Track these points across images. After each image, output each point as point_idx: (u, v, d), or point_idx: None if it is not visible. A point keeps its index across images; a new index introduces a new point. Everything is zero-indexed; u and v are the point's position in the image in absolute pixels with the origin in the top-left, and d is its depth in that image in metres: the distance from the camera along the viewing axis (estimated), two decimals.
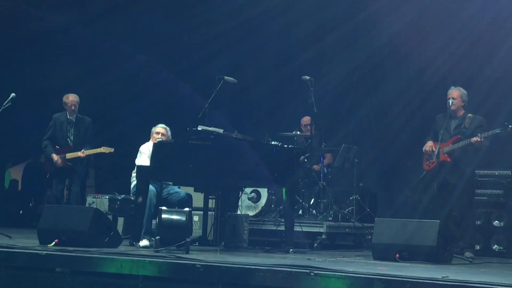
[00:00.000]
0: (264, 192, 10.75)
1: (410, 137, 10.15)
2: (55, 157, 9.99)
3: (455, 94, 8.66)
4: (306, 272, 5.72)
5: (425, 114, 10.07)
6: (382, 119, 11.64)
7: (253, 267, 6.12)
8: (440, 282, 5.36)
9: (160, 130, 9.20)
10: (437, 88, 9.40)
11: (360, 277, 5.59)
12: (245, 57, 11.77)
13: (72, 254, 6.91)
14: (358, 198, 10.52)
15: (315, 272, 5.74)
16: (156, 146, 8.57)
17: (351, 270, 6.00)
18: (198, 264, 6.20)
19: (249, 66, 11.50)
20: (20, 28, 12.95)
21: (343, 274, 5.71)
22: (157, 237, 7.86)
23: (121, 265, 6.45)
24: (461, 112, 8.66)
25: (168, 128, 9.26)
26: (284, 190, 8.99)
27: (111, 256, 6.74)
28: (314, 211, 10.44)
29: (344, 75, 11.56)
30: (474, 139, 8.29)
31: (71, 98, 10.16)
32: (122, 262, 6.52)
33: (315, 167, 10.61)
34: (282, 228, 9.24)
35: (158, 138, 9.02)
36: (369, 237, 9.57)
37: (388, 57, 11.42)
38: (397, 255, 7.40)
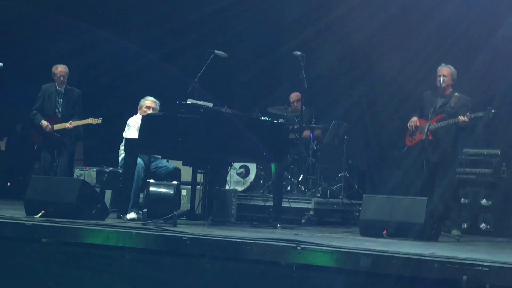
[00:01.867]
0: (253, 167, 10.80)
1: (402, 117, 10.14)
2: (44, 123, 9.96)
3: (446, 71, 8.62)
4: (293, 246, 5.75)
5: (411, 89, 10.09)
6: (376, 99, 11.65)
7: (240, 240, 6.16)
8: (426, 258, 5.38)
9: (149, 104, 9.14)
10: (431, 71, 9.36)
11: (346, 251, 5.62)
12: (236, 33, 11.73)
13: (59, 225, 6.94)
14: (347, 175, 10.55)
15: (302, 246, 5.77)
16: (144, 119, 8.54)
17: (338, 245, 6.03)
18: (184, 237, 6.23)
19: (239, 42, 11.47)
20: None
21: (329, 248, 5.74)
22: (145, 210, 7.86)
23: (108, 237, 6.48)
24: (449, 91, 8.62)
25: (157, 102, 9.20)
26: (273, 165, 9.03)
27: (98, 228, 6.78)
28: (302, 187, 10.49)
29: (340, 53, 11.53)
30: (461, 118, 8.26)
31: (60, 69, 10.11)
32: (109, 233, 6.54)
33: (306, 133, 10.61)
34: (270, 203, 9.28)
35: (147, 112, 8.97)
36: (357, 214, 9.59)
37: (383, 38, 11.38)
38: (385, 232, 7.42)
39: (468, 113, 8.28)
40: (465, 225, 9.40)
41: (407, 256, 5.47)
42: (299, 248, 5.71)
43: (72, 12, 12.96)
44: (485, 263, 5.17)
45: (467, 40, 10.56)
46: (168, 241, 6.29)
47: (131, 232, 6.56)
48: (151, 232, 6.61)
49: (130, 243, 6.36)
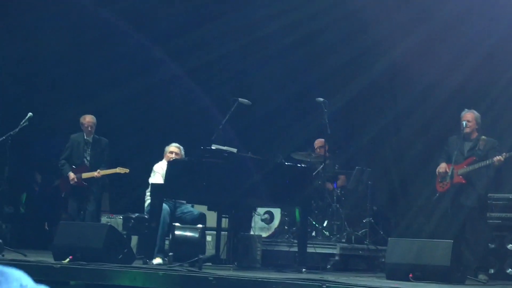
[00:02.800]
0: (277, 213, 10.79)
1: (420, 158, 10.16)
2: (71, 175, 10.08)
3: (470, 117, 8.66)
4: (318, 285, 5.79)
5: (435, 133, 10.07)
6: (392, 140, 11.65)
7: (265, 280, 6.19)
8: None
9: (173, 150, 9.29)
10: (446, 108, 9.42)
11: None
12: (255, 78, 11.84)
13: (87, 267, 7.02)
14: (372, 220, 10.50)
15: (327, 285, 5.80)
16: (170, 164, 8.67)
17: (364, 283, 6.05)
18: (210, 277, 6.28)
19: (260, 87, 11.58)
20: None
21: (354, 286, 5.77)
22: (170, 254, 7.92)
23: (135, 278, 6.54)
24: (475, 135, 8.65)
25: (181, 147, 9.35)
26: (297, 211, 9.07)
27: (125, 269, 6.84)
28: (327, 232, 10.42)
29: (355, 94, 11.59)
30: (497, 158, 8.26)
31: (88, 119, 10.29)
32: (136, 275, 6.61)
33: (329, 186, 10.64)
34: (295, 249, 9.23)
35: (171, 157, 9.10)
36: (383, 260, 9.51)
37: (398, 76, 11.40)
38: (410, 275, 7.37)
39: (504, 153, 8.29)
40: (492, 270, 9.30)
41: None
42: (324, 287, 5.74)
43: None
44: None
45: (483, 74, 10.60)
46: (194, 281, 6.33)
47: (158, 273, 6.62)
48: (177, 273, 6.66)
49: (156, 284, 6.41)
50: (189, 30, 12.66)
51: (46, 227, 13.57)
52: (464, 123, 8.63)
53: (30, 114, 9.42)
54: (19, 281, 0.92)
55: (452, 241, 7.65)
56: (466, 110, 8.78)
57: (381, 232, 10.54)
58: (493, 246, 9.58)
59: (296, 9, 12.07)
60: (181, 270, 6.93)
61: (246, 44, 12.03)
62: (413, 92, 11.21)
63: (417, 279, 7.34)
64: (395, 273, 7.61)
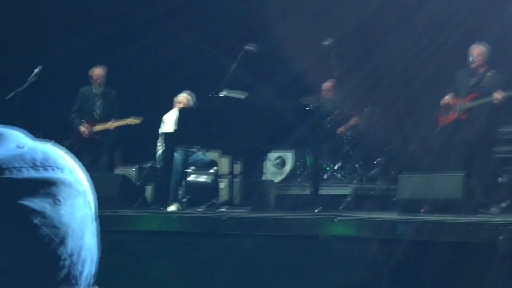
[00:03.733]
0: (288, 158, 10.86)
1: (431, 95, 10.13)
2: (82, 128, 10.15)
3: (476, 51, 8.63)
4: (330, 219, 5.90)
5: (446, 68, 10.03)
6: (403, 80, 11.63)
7: (278, 217, 6.31)
8: (461, 221, 5.51)
9: (182, 100, 9.37)
10: (458, 42, 9.37)
11: (382, 220, 5.76)
12: (264, 25, 11.80)
13: (101, 213, 7.17)
14: (383, 161, 10.58)
15: (339, 218, 5.91)
16: (180, 112, 8.75)
17: (373, 216, 6.16)
18: (224, 217, 6.40)
19: (269, 33, 11.54)
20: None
21: (366, 219, 5.88)
22: (184, 199, 8.06)
23: (150, 222, 6.67)
24: (482, 70, 8.63)
25: (192, 95, 9.42)
26: (308, 155, 9.15)
27: (140, 214, 6.97)
28: (339, 175, 10.51)
29: (364, 34, 11.57)
30: (496, 95, 8.24)
31: (97, 72, 10.32)
32: (151, 219, 6.75)
33: (340, 129, 10.69)
34: (307, 192, 9.31)
35: (181, 106, 9.18)
36: (395, 199, 9.61)
37: (406, 12, 11.35)
38: (422, 210, 7.47)
39: (502, 92, 8.23)
40: (504, 204, 9.36)
41: (442, 220, 5.60)
42: (335, 220, 5.85)
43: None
44: None
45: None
46: (208, 222, 6.46)
47: (173, 216, 6.76)
48: (192, 216, 6.79)
49: (172, 227, 6.54)
50: None
51: None
52: (470, 58, 8.65)
53: (37, 69, 9.47)
54: (16, 142, 0.85)
55: (462, 174, 7.74)
56: (475, 44, 8.76)
57: (393, 172, 10.58)
58: (504, 180, 9.64)
59: None
60: (195, 213, 7.05)
61: None
62: (423, 28, 11.16)
63: (429, 212, 7.41)
64: (407, 209, 7.62)
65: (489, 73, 8.59)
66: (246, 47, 9.22)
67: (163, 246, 6.56)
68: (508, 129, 9.79)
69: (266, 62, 10.39)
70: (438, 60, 10.84)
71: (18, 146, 0.85)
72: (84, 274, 0.87)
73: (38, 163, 0.85)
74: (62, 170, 0.87)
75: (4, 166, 0.82)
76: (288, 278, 5.95)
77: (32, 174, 0.84)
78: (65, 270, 0.83)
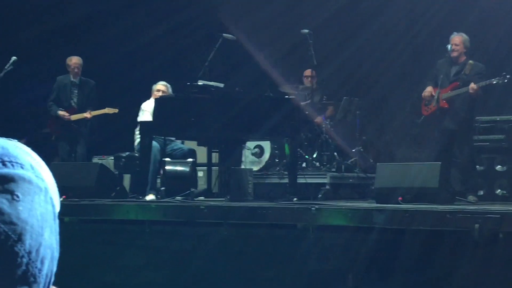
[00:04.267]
0: (267, 147, 10.84)
1: (409, 83, 10.19)
2: (61, 112, 10.12)
3: (457, 40, 8.67)
4: (308, 208, 5.92)
5: (425, 57, 10.09)
6: (375, 68, 11.68)
7: (256, 205, 6.33)
8: (438, 209, 5.56)
9: (160, 88, 9.37)
10: (437, 31, 9.41)
11: (359, 209, 5.80)
12: (242, 11, 11.78)
13: (79, 203, 7.15)
14: (361, 149, 10.61)
15: (316, 207, 5.94)
16: (157, 101, 8.76)
17: (351, 205, 6.20)
18: (202, 206, 6.42)
19: (247, 20, 11.51)
20: None
21: (343, 208, 5.92)
22: (162, 188, 8.05)
23: (128, 211, 6.68)
24: (463, 59, 8.68)
25: (168, 85, 9.41)
26: (286, 144, 9.16)
27: (117, 203, 6.97)
28: (317, 163, 10.52)
29: (342, 25, 11.56)
30: (472, 86, 8.33)
31: (74, 61, 10.30)
32: (128, 208, 6.75)
33: (318, 119, 10.71)
34: (286, 181, 9.29)
35: (159, 95, 9.17)
36: (373, 187, 9.66)
37: (384, 8, 11.38)
38: (400, 198, 7.41)
39: (474, 83, 8.31)
40: (482, 192, 9.42)
41: (419, 209, 5.64)
42: (313, 209, 5.87)
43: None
44: (497, 211, 5.34)
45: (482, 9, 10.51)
46: (186, 211, 6.47)
47: (150, 205, 6.77)
48: (169, 204, 6.80)
49: (149, 216, 6.56)
50: None
51: None
52: (449, 46, 8.69)
53: (14, 57, 9.41)
54: None
55: (440, 163, 7.76)
56: (454, 33, 8.79)
57: (371, 160, 10.63)
58: (482, 168, 9.72)
59: None
60: (173, 202, 7.06)
61: None
62: (402, 18, 11.21)
63: (406, 201, 7.41)
64: (384, 197, 7.60)
65: (470, 61, 8.64)
66: (224, 35, 9.22)
67: (141, 235, 6.57)
68: (485, 118, 9.89)
69: (243, 51, 10.35)
70: (414, 50, 10.90)
71: None
72: (44, 272, 0.85)
73: None
74: (22, 166, 0.86)
75: None
76: (265, 266, 5.97)
77: None
78: (23, 267, 0.82)
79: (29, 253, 0.82)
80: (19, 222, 0.82)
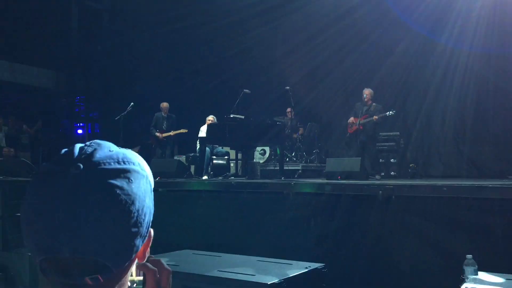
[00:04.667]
0: (268, 150, 10.87)
1: (342, 115, 10.12)
2: (158, 134, 10.17)
3: (367, 93, 8.67)
4: (289, 182, 5.92)
5: (351, 101, 10.02)
6: (326, 107, 11.62)
7: (261, 181, 6.33)
8: (360, 183, 5.53)
9: (210, 118, 9.41)
10: (359, 87, 9.35)
11: (318, 183, 5.79)
12: (252, 77, 11.71)
13: (167, 181, 7.16)
14: (318, 151, 10.63)
15: (294, 182, 5.94)
16: (209, 126, 8.77)
17: (313, 181, 6.19)
18: (232, 182, 6.42)
19: (254, 79, 11.41)
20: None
21: (308, 182, 5.92)
22: (211, 173, 8.07)
23: (193, 185, 6.68)
24: (370, 102, 8.65)
25: (215, 117, 9.43)
26: (278, 148, 9.15)
27: (188, 181, 6.98)
28: (294, 158, 10.56)
29: (306, 84, 11.49)
30: (375, 117, 8.35)
31: (164, 105, 10.35)
32: (193, 183, 6.75)
33: (294, 135, 10.73)
34: (277, 168, 9.27)
35: (209, 123, 9.19)
36: (324, 170, 9.64)
37: (330, 73, 11.28)
38: (339, 177, 7.40)
39: (377, 116, 8.34)
40: (382, 174, 9.41)
41: (348, 183, 5.63)
42: (292, 183, 5.88)
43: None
44: (391, 183, 5.33)
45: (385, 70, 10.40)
46: (224, 184, 6.47)
47: (205, 182, 6.76)
48: (215, 181, 6.79)
49: (204, 187, 6.54)
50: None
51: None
52: (364, 95, 8.68)
53: (132, 103, 9.49)
54: (108, 148, 0.83)
55: (360, 158, 7.74)
56: (365, 88, 8.80)
57: (323, 157, 10.63)
58: (382, 160, 9.73)
59: None
60: (217, 180, 7.06)
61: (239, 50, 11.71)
62: (339, 79, 11.17)
63: (343, 179, 7.42)
64: (330, 176, 7.58)
65: (374, 104, 8.61)
66: (244, 90, 9.23)
67: (200, 198, 6.53)
68: (384, 133, 9.90)
69: (254, 99, 10.35)
70: (345, 97, 10.87)
71: (109, 150, 0.86)
72: (146, 220, 0.86)
73: (120, 160, 0.85)
74: (133, 163, 0.87)
75: (101, 161, 0.83)
76: (266, 214, 5.96)
77: (117, 165, 0.84)
78: (134, 218, 0.83)
79: (138, 210, 0.83)
80: (132, 194, 0.82)
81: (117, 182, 0.81)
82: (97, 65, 14.52)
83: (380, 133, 9.58)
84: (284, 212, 5.73)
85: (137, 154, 0.90)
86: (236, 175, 9.20)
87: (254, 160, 9.85)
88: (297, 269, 3.98)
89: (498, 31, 9.05)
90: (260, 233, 5.76)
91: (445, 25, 9.64)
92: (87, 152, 0.83)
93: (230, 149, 9.57)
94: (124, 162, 0.84)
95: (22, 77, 13.47)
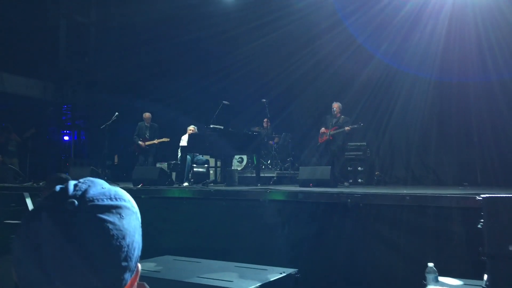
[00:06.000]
0: (245, 158, 10.84)
1: (313, 126, 10.16)
2: (141, 143, 9.99)
3: (336, 106, 8.75)
4: (265, 190, 5.86)
5: (322, 114, 10.10)
6: (299, 118, 11.68)
7: (239, 189, 6.25)
8: (330, 192, 5.52)
9: (191, 128, 9.28)
10: (328, 100, 9.42)
11: (291, 191, 5.73)
12: (234, 92, 11.71)
13: (149, 188, 7.02)
14: (292, 159, 10.63)
15: (269, 190, 5.88)
16: (190, 135, 8.64)
17: (287, 189, 6.15)
18: (212, 190, 6.33)
19: (233, 95, 11.45)
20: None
21: (282, 190, 5.86)
22: (191, 180, 7.96)
23: (174, 192, 6.56)
24: (339, 115, 8.72)
25: (196, 127, 9.33)
26: (254, 156, 9.11)
27: (169, 188, 6.83)
28: (270, 166, 10.55)
29: (283, 98, 11.56)
30: (347, 128, 8.39)
31: (147, 115, 10.18)
32: (174, 190, 6.62)
33: (270, 143, 10.72)
34: (254, 175, 9.28)
35: (190, 132, 9.09)
36: (298, 178, 9.65)
37: (309, 86, 11.34)
38: (311, 184, 7.42)
39: (348, 127, 8.41)
40: (351, 180, 9.49)
41: (320, 192, 5.61)
42: (268, 191, 5.82)
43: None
44: (359, 192, 5.33)
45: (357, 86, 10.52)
46: (204, 192, 6.35)
47: (185, 189, 6.63)
48: (195, 189, 6.68)
49: (185, 195, 6.44)
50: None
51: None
52: (333, 109, 8.74)
53: (116, 113, 9.31)
54: (101, 185, 0.82)
55: (330, 166, 7.76)
56: (334, 102, 8.86)
57: (296, 164, 10.67)
58: (350, 168, 9.81)
59: None
60: (197, 187, 6.95)
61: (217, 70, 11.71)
62: (309, 94, 11.24)
63: (314, 186, 7.39)
64: (303, 184, 7.63)
65: (342, 117, 8.67)
66: (224, 102, 9.15)
67: (181, 205, 6.44)
68: (352, 143, 9.97)
69: (233, 110, 10.31)
70: (318, 112, 10.91)
71: (102, 187, 0.85)
72: (135, 255, 0.84)
73: (112, 197, 0.84)
74: (124, 200, 0.86)
75: (95, 198, 0.82)
76: (244, 220, 5.90)
77: (109, 202, 0.82)
78: (125, 253, 0.82)
79: (128, 245, 0.82)
80: (123, 229, 0.82)
81: (109, 217, 0.80)
82: (84, 76, 14.27)
83: (349, 143, 9.64)
84: (260, 219, 5.66)
85: (125, 192, 0.89)
86: (215, 181, 9.12)
87: (232, 168, 9.80)
88: (272, 274, 3.93)
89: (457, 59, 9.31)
90: (237, 238, 5.69)
91: (405, 53, 9.85)
92: (81, 189, 0.83)
93: (210, 157, 9.45)
94: (116, 199, 0.84)
95: (11, 86, 13.11)
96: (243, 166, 10.79)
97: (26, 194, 6.36)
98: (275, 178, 9.55)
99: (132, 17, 12.93)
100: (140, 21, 12.71)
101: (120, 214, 0.82)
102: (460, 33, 9.28)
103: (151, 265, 4.12)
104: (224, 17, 11.62)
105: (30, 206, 6.11)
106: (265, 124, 10.64)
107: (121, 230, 0.81)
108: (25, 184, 7.53)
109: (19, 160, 11.15)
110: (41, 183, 7.05)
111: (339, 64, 10.57)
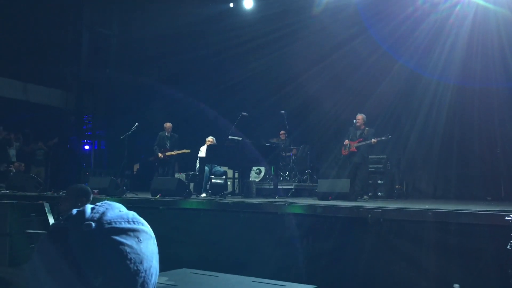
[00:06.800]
0: (263, 169, 10.80)
1: (334, 139, 10.07)
2: (160, 153, 10.03)
3: (359, 118, 8.65)
4: (283, 203, 5.82)
5: (344, 126, 10.00)
6: (319, 130, 11.61)
7: (257, 202, 6.21)
8: (349, 206, 5.44)
9: (209, 139, 9.29)
10: (351, 112, 9.33)
11: (310, 205, 5.68)
12: (252, 102, 11.72)
13: (168, 199, 7.02)
14: (310, 171, 10.56)
15: (288, 203, 5.83)
16: (208, 147, 8.68)
17: (305, 202, 6.08)
18: (230, 202, 6.30)
19: (252, 107, 11.43)
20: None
21: (300, 204, 5.80)
22: (209, 191, 7.95)
23: (192, 203, 6.55)
24: (362, 127, 8.60)
25: (214, 138, 9.34)
26: (272, 168, 9.07)
27: (187, 200, 6.83)
28: (288, 178, 10.49)
29: (302, 110, 11.48)
30: (374, 140, 8.26)
31: (168, 125, 10.18)
32: (192, 202, 6.61)
33: (288, 154, 10.67)
34: (272, 187, 9.21)
35: (209, 143, 9.11)
36: (317, 190, 9.55)
37: (323, 102, 11.30)
38: (330, 197, 7.37)
39: (376, 139, 8.28)
40: (370, 194, 9.36)
41: (339, 206, 5.53)
42: (286, 204, 5.77)
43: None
44: (379, 208, 5.23)
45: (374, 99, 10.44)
46: (222, 204, 6.33)
47: (203, 201, 6.62)
48: (213, 201, 6.66)
49: (203, 206, 6.43)
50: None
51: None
52: (357, 120, 8.65)
53: (136, 124, 9.39)
54: (118, 209, 0.82)
55: (350, 179, 7.69)
56: (358, 114, 8.77)
57: (315, 177, 10.60)
58: (371, 181, 9.67)
59: None
60: (215, 199, 6.93)
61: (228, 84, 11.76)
62: (329, 105, 11.17)
63: (333, 199, 7.32)
64: (322, 197, 7.56)
65: (367, 128, 8.58)
66: (242, 113, 9.17)
67: (198, 216, 6.41)
68: (373, 156, 9.84)
69: (251, 121, 10.29)
70: (338, 125, 10.82)
71: (120, 211, 0.84)
72: (152, 281, 0.82)
73: (130, 220, 0.82)
74: (142, 224, 0.84)
75: (113, 221, 0.80)
76: (262, 234, 5.84)
77: (127, 225, 0.81)
78: (142, 278, 0.80)
79: (145, 270, 0.80)
80: (141, 253, 0.80)
81: (127, 240, 0.80)
82: (104, 86, 14.51)
83: (370, 156, 9.53)
84: (277, 232, 5.60)
85: (141, 218, 0.87)
86: (233, 193, 9.08)
87: (250, 179, 9.77)
88: None
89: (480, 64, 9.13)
90: (255, 251, 5.63)
91: (430, 59, 9.71)
92: (99, 212, 0.82)
93: (228, 168, 9.45)
94: (134, 222, 0.83)
95: (34, 96, 13.43)
96: (260, 177, 10.73)
97: (46, 204, 6.43)
98: (293, 190, 9.47)
99: (152, 30, 13.12)
100: (161, 34, 12.88)
101: (138, 237, 0.81)
102: (483, 42, 9.11)
103: (167, 278, 4.08)
104: (243, 29, 11.70)
105: (49, 216, 6.17)
106: (282, 136, 10.59)
107: (138, 254, 0.79)
108: (45, 193, 7.62)
109: (46, 168, 11.35)
110: (61, 193, 7.12)
111: (358, 75, 10.49)
